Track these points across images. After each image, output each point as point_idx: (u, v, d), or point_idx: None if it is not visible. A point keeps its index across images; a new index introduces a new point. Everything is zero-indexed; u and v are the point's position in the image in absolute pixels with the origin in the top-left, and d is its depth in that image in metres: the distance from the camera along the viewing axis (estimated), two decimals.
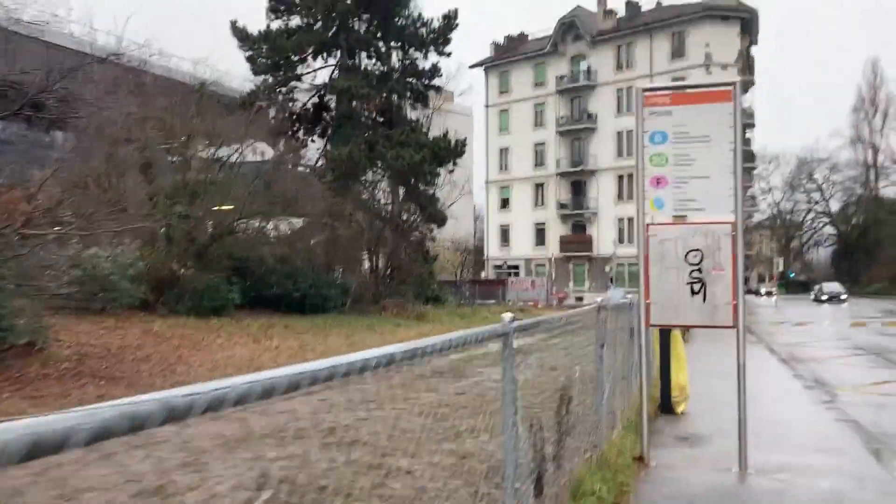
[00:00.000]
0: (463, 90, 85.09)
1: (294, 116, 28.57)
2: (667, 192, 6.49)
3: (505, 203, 67.37)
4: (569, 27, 62.03)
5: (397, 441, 5.33)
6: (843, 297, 56.81)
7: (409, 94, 28.17)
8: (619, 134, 59.54)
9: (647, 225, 6.59)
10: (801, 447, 7.08)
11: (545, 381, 4.56)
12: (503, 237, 67.17)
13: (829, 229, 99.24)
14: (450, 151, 27.18)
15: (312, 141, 29.59)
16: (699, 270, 6.39)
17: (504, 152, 67.08)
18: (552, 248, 62.54)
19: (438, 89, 31.01)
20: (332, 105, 28.58)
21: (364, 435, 6.49)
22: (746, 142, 59.31)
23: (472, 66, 68.24)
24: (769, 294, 65.56)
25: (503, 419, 3.33)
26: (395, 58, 28.44)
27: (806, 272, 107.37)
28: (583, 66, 61.41)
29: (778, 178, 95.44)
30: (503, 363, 3.33)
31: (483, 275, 66.93)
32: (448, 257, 71.26)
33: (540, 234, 64.65)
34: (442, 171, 28.31)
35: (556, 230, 63.20)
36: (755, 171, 77.08)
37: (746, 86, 57.87)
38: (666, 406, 8.81)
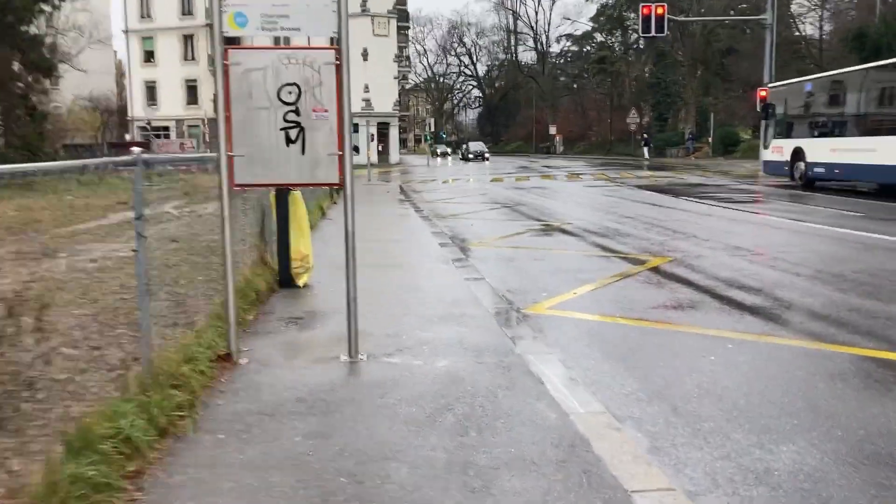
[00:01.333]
0: None
1: None
2: (252, 3, 4.79)
3: (149, 56, 60.15)
4: None
5: None
6: (487, 155, 61.25)
7: None
8: None
9: (226, 49, 4.88)
10: (426, 318, 6.25)
11: None
12: (149, 95, 60.39)
13: (477, 92, 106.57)
14: None
15: None
16: (296, 112, 4.91)
17: None
18: (206, 106, 57.82)
19: None
20: None
21: None
22: (402, 1, 59.32)
23: None
24: (445, 155, 67.89)
25: None
26: None
27: (457, 133, 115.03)
28: None
29: (432, 41, 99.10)
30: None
31: (127, 137, 60.09)
32: (85, 118, 62.67)
33: (192, 92, 59.29)
34: (47, 7, 23.02)
35: (210, 88, 58.28)
36: (410, 33, 78.46)
37: None
38: (285, 279, 7.52)
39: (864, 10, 35.47)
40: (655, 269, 8.80)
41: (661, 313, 6.55)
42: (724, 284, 7.83)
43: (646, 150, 50.01)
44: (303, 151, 4.94)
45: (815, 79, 20.63)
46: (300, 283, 7.54)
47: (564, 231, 12.98)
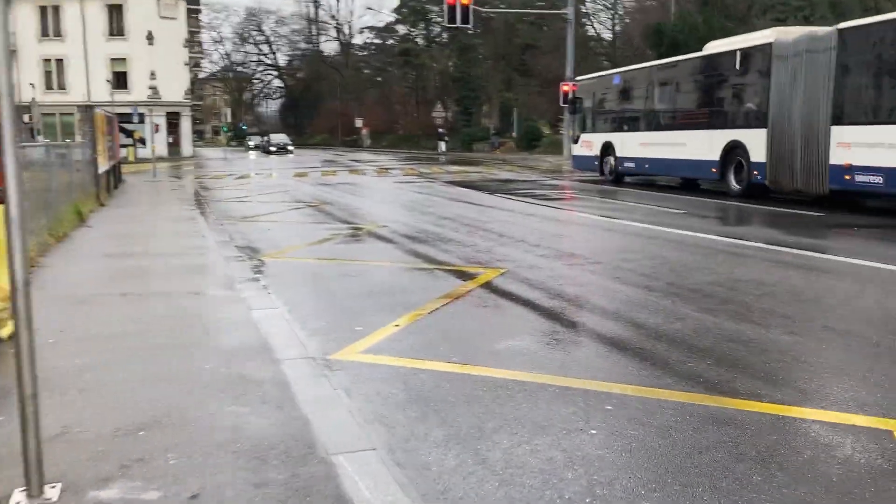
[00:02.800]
0: None
1: None
2: None
3: None
4: None
5: None
6: (291, 148, 58.32)
7: None
8: None
9: None
10: (185, 390, 4.28)
11: None
12: None
13: (278, 83, 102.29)
14: None
15: None
16: None
17: None
18: None
19: None
20: None
21: None
22: None
23: None
24: (257, 148, 63.75)
25: None
26: None
27: (258, 125, 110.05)
28: None
29: (229, 29, 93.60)
30: None
31: None
32: None
33: None
34: None
35: None
36: (203, 18, 73.36)
37: None
38: None
39: (658, 11, 37.04)
40: (488, 286, 7.34)
41: (507, 356, 5.02)
42: (573, 306, 6.51)
43: (441, 144, 49.99)
44: None
45: (623, 72, 20.52)
46: (3, 333, 5.21)
47: (378, 236, 11.30)
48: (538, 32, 53.09)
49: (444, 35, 65.12)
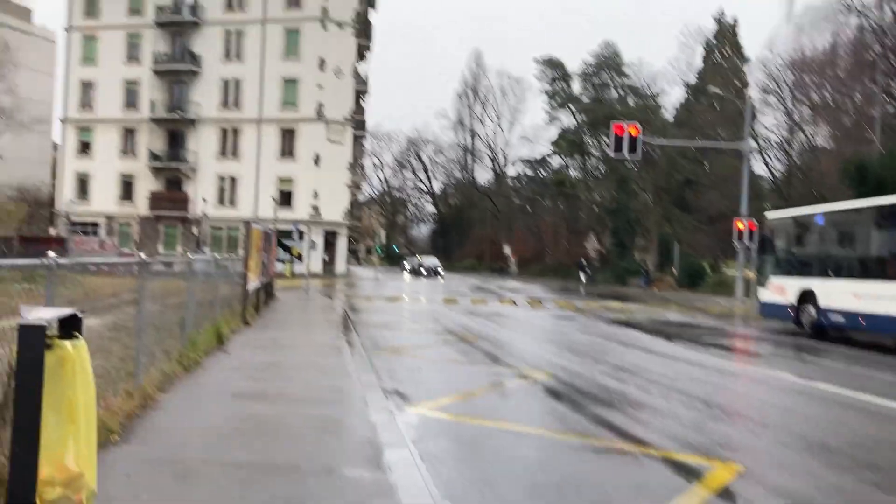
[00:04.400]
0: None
1: None
2: None
3: (85, 147, 56.39)
4: None
5: None
6: (441, 272, 57.80)
7: None
8: (226, 82, 53.21)
9: None
10: None
11: None
12: (81, 188, 56.20)
13: (431, 208, 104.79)
14: None
15: None
16: None
17: (87, 87, 55.92)
18: (141, 204, 53.94)
19: None
20: None
21: None
22: (360, 109, 57.44)
23: None
24: (416, 273, 63.71)
25: None
26: None
27: (410, 247, 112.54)
28: None
29: (389, 155, 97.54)
30: None
31: (53, 232, 55.45)
32: (10, 208, 58.00)
33: (127, 188, 55.31)
34: None
35: (147, 185, 54.62)
36: (367, 145, 76.75)
37: (363, 51, 55.83)
38: None
39: (854, 142, 34.06)
40: (732, 500, 5.13)
41: None
42: None
43: (582, 275, 47.76)
44: None
45: (830, 210, 17.82)
46: None
47: (549, 389, 9.32)
48: (699, 167, 50.99)
49: (601, 166, 64.23)
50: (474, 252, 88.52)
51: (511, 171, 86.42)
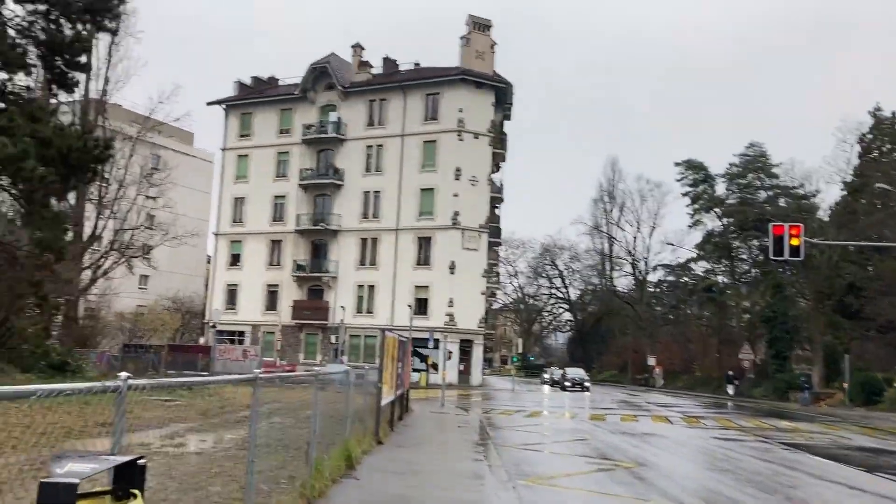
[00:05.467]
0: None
1: None
2: None
3: (236, 259, 59.19)
4: (321, 74, 56.86)
5: None
6: (588, 385, 52.75)
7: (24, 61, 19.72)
8: (366, 194, 54.79)
9: None
10: None
11: None
12: (230, 298, 58.66)
13: (568, 315, 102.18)
14: (83, 153, 19.08)
15: None
16: None
17: (239, 202, 59.33)
18: (284, 314, 55.36)
19: (85, 68, 23.12)
20: None
21: None
22: (495, 218, 57.35)
23: (210, 104, 60.66)
24: (562, 386, 60.70)
25: None
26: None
27: (545, 357, 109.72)
28: (332, 117, 56.25)
29: (523, 263, 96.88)
30: None
31: (202, 340, 57.78)
32: (165, 318, 61.25)
33: (272, 297, 57.17)
34: (77, 180, 20.20)
35: (291, 294, 56.22)
36: (501, 252, 76.44)
37: (497, 159, 56.23)
38: None
39: None
40: None
41: None
42: None
43: (730, 388, 43.23)
44: None
45: None
46: None
47: None
48: (863, 270, 46.55)
49: (753, 271, 60.31)
50: (615, 362, 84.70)
51: (652, 277, 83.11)
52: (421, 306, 50.55)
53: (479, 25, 54.49)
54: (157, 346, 46.04)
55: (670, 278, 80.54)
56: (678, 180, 68.33)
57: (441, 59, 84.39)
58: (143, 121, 42.99)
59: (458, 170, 51.93)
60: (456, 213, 51.49)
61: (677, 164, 68.45)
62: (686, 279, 74.56)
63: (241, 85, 62.09)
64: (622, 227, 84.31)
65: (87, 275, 38.68)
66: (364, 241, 54.40)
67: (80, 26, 20.75)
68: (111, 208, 39.27)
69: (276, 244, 57.62)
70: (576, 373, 55.60)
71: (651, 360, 69.07)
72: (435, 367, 36.04)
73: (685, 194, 68.09)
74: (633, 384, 70.98)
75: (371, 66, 58.20)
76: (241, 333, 57.11)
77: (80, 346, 33.64)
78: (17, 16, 20.13)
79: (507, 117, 59.68)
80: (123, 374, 3.64)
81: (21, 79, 19.79)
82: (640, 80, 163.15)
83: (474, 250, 51.85)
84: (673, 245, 72.34)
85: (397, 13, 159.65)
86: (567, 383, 52.38)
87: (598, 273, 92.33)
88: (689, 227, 68.50)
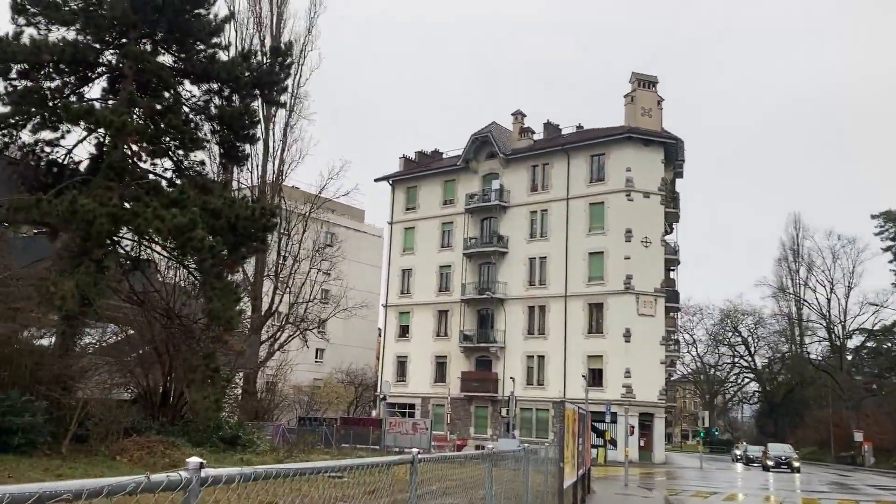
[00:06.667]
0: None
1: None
2: None
3: (404, 331, 59.41)
4: (482, 143, 57.00)
5: None
6: (797, 464, 45.86)
7: (204, 140, 20.42)
8: (532, 260, 53.43)
9: None
10: None
11: None
12: (400, 370, 58.71)
13: (755, 386, 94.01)
14: (251, 222, 19.10)
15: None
16: None
17: (407, 274, 59.93)
18: (453, 385, 54.44)
19: (254, 139, 23.71)
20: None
21: None
22: (670, 282, 53.90)
23: (377, 180, 62.54)
24: (747, 461, 55.66)
25: None
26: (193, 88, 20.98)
27: (730, 431, 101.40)
28: (495, 185, 55.91)
29: (702, 330, 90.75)
30: None
31: (374, 413, 57.89)
32: (340, 391, 62.21)
33: (441, 369, 56.54)
34: (245, 249, 20.29)
35: (459, 365, 55.30)
36: (678, 319, 71.88)
37: (670, 220, 53.20)
38: None
39: None
40: None
41: None
42: None
43: None
44: None
45: None
46: None
47: None
48: None
49: None
50: (814, 438, 76.11)
51: (851, 342, 74.80)
52: (595, 377, 47.78)
53: (644, 82, 52.56)
54: (331, 418, 46.37)
55: (870, 344, 72.13)
56: (877, 234, 61.76)
57: (603, 121, 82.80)
58: (314, 198, 44.50)
59: (628, 231, 49.47)
60: (629, 277, 48.79)
61: (874, 217, 61.97)
62: (891, 344, 66.36)
63: (406, 160, 63.58)
64: (812, 288, 77.13)
65: (264, 348, 39.80)
66: (531, 308, 52.77)
67: (248, 100, 21.47)
68: (287, 283, 40.50)
69: (442, 314, 57.29)
70: (781, 449, 48.88)
71: (858, 436, 61.31)
72: (614, 442, 33.29)
73: (886, 249, 61.28)
74: (838, 462, 63.14)
75: (533, 132, 57.70)
76: (412, 406, 56.69)
77: (257, 419, 34.19)
78: (194, 96, 21.18)
79: (679, 175, 56.68)
80: (194, 461, 2.42)
81: (196, 155, 20.63)
82: (815, 133, 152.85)
83: (651, 316, 48.68)
84: (876, 305, 64.84)
85: (556, 81, 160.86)
86: (770, 462, 46.21)
87: (787, 339, 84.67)
88: (894, 285, 61.28)
